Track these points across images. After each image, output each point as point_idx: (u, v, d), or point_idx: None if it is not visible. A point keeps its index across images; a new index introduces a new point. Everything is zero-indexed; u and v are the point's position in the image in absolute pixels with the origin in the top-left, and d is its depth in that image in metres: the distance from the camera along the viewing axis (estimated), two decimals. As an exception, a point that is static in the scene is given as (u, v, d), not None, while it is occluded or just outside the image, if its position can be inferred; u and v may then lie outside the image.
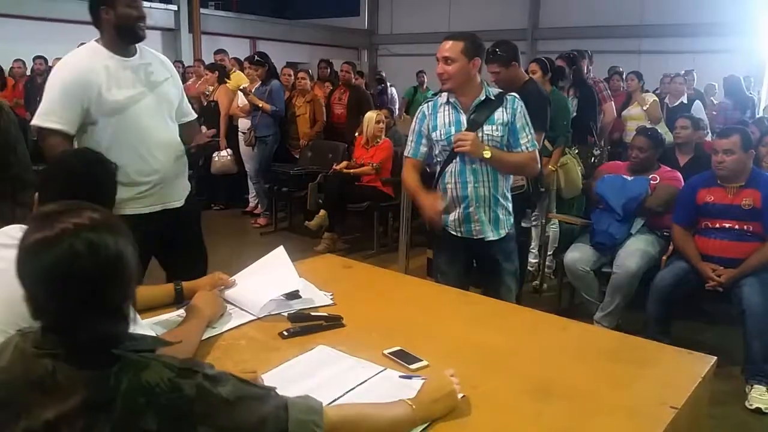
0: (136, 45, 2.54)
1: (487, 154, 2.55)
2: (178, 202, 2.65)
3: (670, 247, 3.55)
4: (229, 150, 6.61)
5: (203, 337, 1.66)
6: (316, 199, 5.65)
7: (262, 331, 1.76)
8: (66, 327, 0.95)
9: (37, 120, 2.38)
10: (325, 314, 1.85)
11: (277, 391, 1.13)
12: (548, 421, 1.34)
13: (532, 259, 4.60)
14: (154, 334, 1.48)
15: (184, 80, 8.96)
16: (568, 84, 4.75)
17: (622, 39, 12.49)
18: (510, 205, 2.77)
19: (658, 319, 3.26)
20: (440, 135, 2.65)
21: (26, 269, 0.95)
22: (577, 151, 4.58)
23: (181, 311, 1.78)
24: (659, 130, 4.15)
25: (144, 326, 1.49)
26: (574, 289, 3.95)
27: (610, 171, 3.90)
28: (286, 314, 1.85)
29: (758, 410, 2.91)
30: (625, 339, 1.85)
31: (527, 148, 2.65)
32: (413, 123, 2.79)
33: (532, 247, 4.57)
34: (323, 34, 15.95)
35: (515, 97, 2.67)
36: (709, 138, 5.34)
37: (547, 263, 4.54)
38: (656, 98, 6.42)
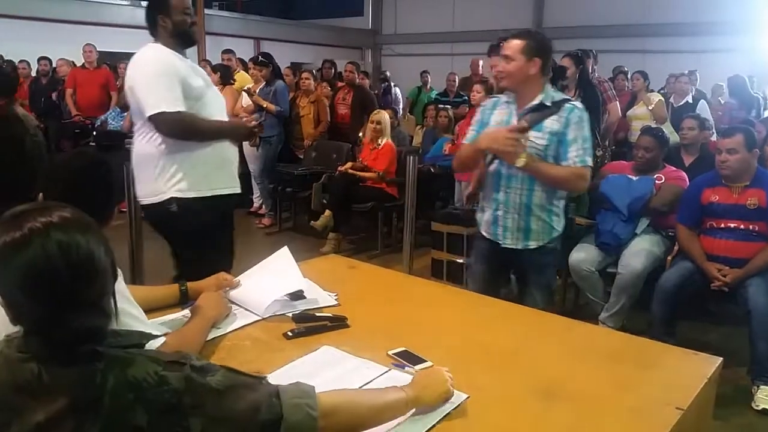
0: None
1: (521, 162, 2.40)
2: (238, 188, 2.85)
3: (675, 248, 3.54)
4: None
5: (208, 338, 1.66)
6: (320, 200, 5.66)
7: (267, 332, 1.76)
8: (46, 328, 0.95)
9: (161, 107, 2.46)
10: (330, 315, 1.85)
11: (268, 379, 1.13)
12: (553, 422, 1.34)
13: None
14: (159, 332, 1.48)
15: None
16: (572, 84, 4.71)
17: (627, 38, 12.45)
18: (553, 218, 2.60)
19: (664, 320, 3.25)
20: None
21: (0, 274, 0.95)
22: None
23: (186, 312, 1.78)
24: (664, 130, 4.13)
25: (150, 325, 1.49)
26: (579, 289, 3.94)
27: (614, 171, 3.89)
28: (290, 315, 1.84)
29: (764, 411, 2.90)
30: (630, 340, 1.85)
31: (575, 163, 2.46)
32: (477, 113, 2.76)
33: None
34: (327, 35, 15.96)
35: (575, 106, 2.52)
36: (714, 138, 5.33)
37: None
38: (662, 98, 6.40)
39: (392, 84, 10.40)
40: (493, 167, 2.59)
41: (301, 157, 6.62)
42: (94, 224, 1.02)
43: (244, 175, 6.70)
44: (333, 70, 8.41)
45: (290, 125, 6.51)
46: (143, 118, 2.55)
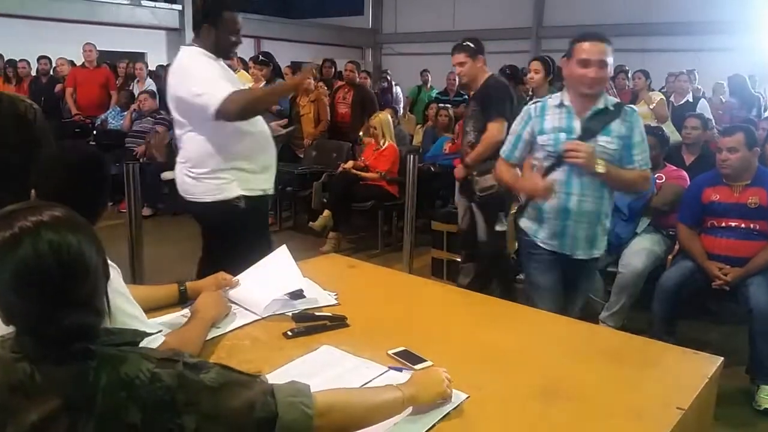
0: None
1: (601, 169, 2.34)
2: (273, 190, 2.91)
3: (676, 247, 3.54)
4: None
5: (208, 337, 1.66)
6: (320, 199, 5.65)
7: (267, 331, 1.76)
8: (37, 327, 0.95)
9: (220, 95, 2.47)
10: (330, 314, 1.85)
11: (266, 378, 1.13)
12: (554, 421, 1.34)
13: None
14: (159, 330, 1.48)
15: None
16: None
17: (627, 37, 12.40)
18: (609, 223, 2.58)
19: (664, 319, 3.25)
20: (548, 140, 2.46)
21: None
22: None
23: (186, 311, 1.78)
24: (665, 129, 4.13)
25: (150, 325, 1.48)
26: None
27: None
28: (290, 314, 1.84)
29: (766, 411, 2.89)
30: (630, 339, 1.84)
31: (641, 166, 2.46)
32: (516, 123, 2.60)
33: None
34: (328, 34, 15.95)
35: (634, 109, 2.52)
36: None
37: None
38: (663, 97, 6.39)
39: (393, 83, 10.40)
40: (558, 176, 2.44)
41: (301, 156, 6.62)
42: (85, 223, 1.02)
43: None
44: (333, 70, 8.40)
45: (290, 124, 6.50)
46: (200, 119, 2.58)
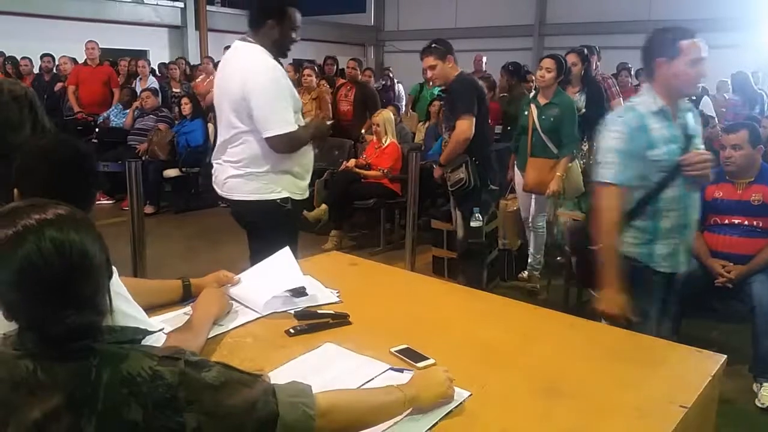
0: None
1: (712, 176, 2.25)
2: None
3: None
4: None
5: (210, 335, 1.66)
6: (323, 197, 5.65)
7: (269, 329, 1.76)
8: (40, 325, 0.95)
9: (281, 129, 2.60)
10: (332, 312, 1.84)
11: (268, 377, 1.13)
12: (556, 420, 1.33)
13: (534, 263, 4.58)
14: (161, 329, 1.48)
15: (191, 78, 9.00)
16: (577, 80, 4.70)
17: (630, 34, 12.37)
18: None
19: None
20: (662, 154, 2.20)
21: None
22: (586, 146, 4.54)
23: (188, 308, 1.78)
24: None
25: (150, 325, 1.48)
26: (582, 286, 3.92)
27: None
28: (292, 312, 1.84)
29: (768, 408, 2.89)
30: (633, 337, 1.84)
31: None
32: (616, 140, 2.23)
33: (533, 251, 4.55)
34: (330, 31, 15.94)
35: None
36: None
37: (534, 264, 4.52)
38: None
39: (395, 80, 10.39)
40: (672, 192, 2.23)
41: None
42: (89, 221, 1.01)
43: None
44: (335, 67, 8.39)
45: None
46: (251, 125, 2.65)
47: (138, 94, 7.65)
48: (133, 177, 3.67)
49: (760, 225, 3.13)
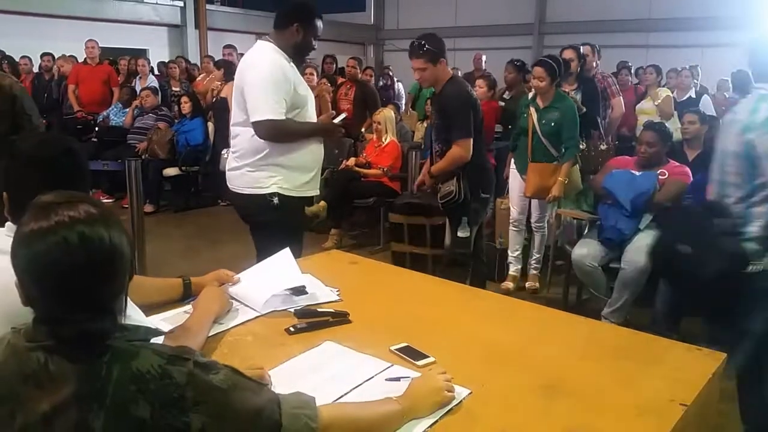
0: None
1: None
2: (318, 192, 3.11)
3: (679, 243, 3.53)
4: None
5: (210, 334, 1.66)
6: (322, 195, 5.64)
7: (269, 328, 1.76)
8: (55, 319, 0.96)
9: (266, 115, 2.66)
10: (332, 310, 1.84)
11: (270, 387, 1.13)
12: (556, 418, 1.33)
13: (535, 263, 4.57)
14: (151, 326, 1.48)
15: (191, 77, 8.99)
16: (573, 77, 4.69)
17: (630, 33, 12.42)
18: None
19: (667, 315, 3.24)
20: None
21: (19, 256, 0.96)
22: (584, 146, 4.53)
23: (188, 307, 1.79)
24: (669, 126, 4.12)
25: (149, 323, 1.48)
26: (582, 285, 3.93)
27: (618, 166, 3.87)
28: (292, 310, 1.84)
29: (768, 407, 2.88)
30: (633, 335, 1.84)
31: None
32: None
33: (535, 251, 4.54)
34: (329, 30, 15.82)
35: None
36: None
37: (533, 263, 4.52)
38: (670, 94, 6.35)
39: (395, 79, 10.38)
40: None
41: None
42: (119, 220, 1.02)
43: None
44: (334, 66, 8.39)
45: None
46: (247, 116, 2.73)
47: (138, 92, 7.65)
48: (132, 176, 3.68)
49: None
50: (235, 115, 2.83)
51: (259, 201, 2.80)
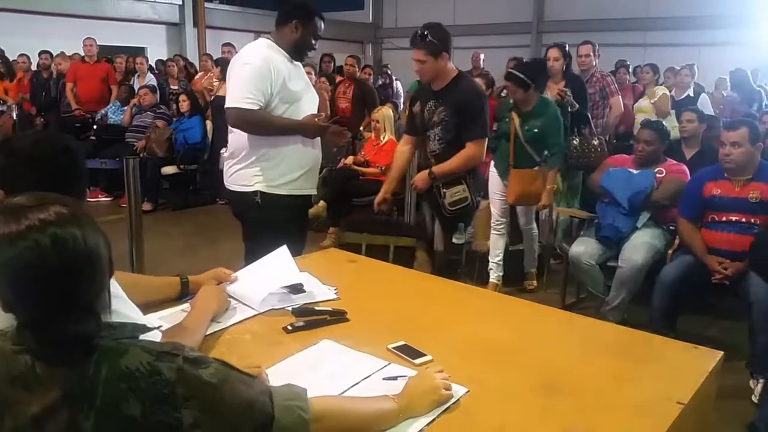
0: None
1: None
2: (315, 191, 3.05)
3: (676, 241, 3.54)
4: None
5: (208, 332, 1.66)
6: (321, 194, 5.64)
7: (267, 326, 1.76)
8: (37, 323, 0.95)
9: (235, 103, 2.65)
10: (330, 309, 1.84)
11: (263, 374, 1.13)
12: (554, 416, 1.33)
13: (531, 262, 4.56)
14: (159, 327, 1.47)
15: (189, 75, 8.98)
16: (558, 76, 4.67)
17: (628, 32, 12.42)
18: None
19: (664, 314, 3.25)
20: None
21: None
22: (577, 141, 4.51)
23: (186, 305, 1.78)
24: (666, 124, 4.12)
25: (147, 322, 1.47)
26: (580, 283, 3.93)
27: (615, 164, 3.88)
28: (290, 309, 1.84)
29: (765, 405, 2.89)
30: (631, 333, 1.84)
31: None
32: None
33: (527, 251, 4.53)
34: (328, 28, 15.74)
35: None
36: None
37: (530, 262, 4.51)
38: (666, 92, 6.35)
39: (393, 78, 10.38)
40: None
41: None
42: (92, 220, 1.01)
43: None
44: (332, 64, 8.37)
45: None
46: None
47: (136, 91, 7.63)
48: (130, 174, 3.67)
49: (758, 222, 3.13)
50: None
51: (245, 198, 2.80)
